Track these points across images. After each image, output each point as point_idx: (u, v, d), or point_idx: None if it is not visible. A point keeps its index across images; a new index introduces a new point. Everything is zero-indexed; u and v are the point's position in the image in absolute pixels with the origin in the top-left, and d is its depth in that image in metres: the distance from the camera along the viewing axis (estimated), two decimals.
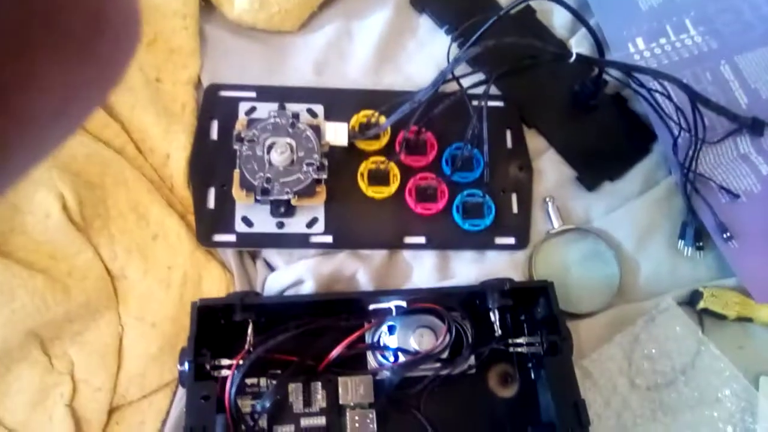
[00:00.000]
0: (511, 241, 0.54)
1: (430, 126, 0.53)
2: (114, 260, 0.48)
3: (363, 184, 0.52)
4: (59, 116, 0.16)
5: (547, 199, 0.54)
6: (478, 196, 0.53)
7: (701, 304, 0.51)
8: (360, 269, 0.51)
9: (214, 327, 0.45)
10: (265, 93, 0.54)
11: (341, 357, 0.46)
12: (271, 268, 0.52)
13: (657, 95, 0.54)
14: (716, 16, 0.60)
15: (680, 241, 0.54)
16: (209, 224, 0.50)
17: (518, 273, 0.52)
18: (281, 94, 0.54)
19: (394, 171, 0.53)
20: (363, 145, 0.53)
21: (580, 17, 0.50)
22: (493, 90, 0.56)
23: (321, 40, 0.58)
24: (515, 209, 0.54)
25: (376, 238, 0.52)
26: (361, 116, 0.53)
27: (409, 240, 0.52)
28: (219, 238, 0.50)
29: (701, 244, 0.54)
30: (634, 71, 0.51)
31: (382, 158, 0.52)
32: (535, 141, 0.56)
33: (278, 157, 0.48)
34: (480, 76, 0.53)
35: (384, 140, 0.54)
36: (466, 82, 0.51)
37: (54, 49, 0.15)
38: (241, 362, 0.44)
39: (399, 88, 0.56)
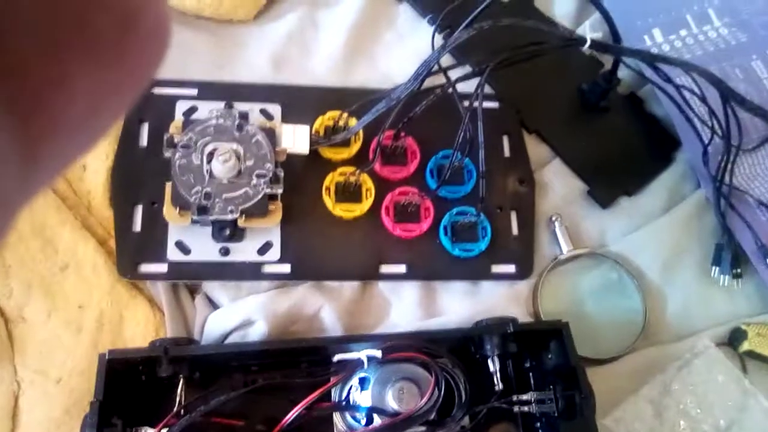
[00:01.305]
0: (511, 269, 0.44)
1: (412, 130, 0.44)
2: (9, 298, 0.38)
3: (329, 201, 0.42)
4: (89, 118, 0.16)
5: (554, 218, 0.45)
6: (470, 214, 0.43)
7: (745, 346, 0.42)
8: (325, 306, 0.41)
9: (133, 385, 0.35)
10: (208, 90, 0.44)
11: (301, 420, 0.36)
12: (213, 305, 0.42)
13: (684, 93, 0.44)
14: (743, 5, 0.52)
15: (714, 267, 0.45)
16: (135, 251, 0.40)
17: (520, 308, 0.43)
18: (229, 92, 0.45)
19: (368, 184, 0.43)
20: (329, 153, 0.43)
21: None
22: (488, 89, 0.47)
23: (280, 30, 0.49)
24: (515, 230, 0.45)
25: (346, 267, 0.42)
26: (327, 118, 0.44)
27: (386, 269, 0.43)
28: (147, 268, 0.40)
29: (739, 270, 0.44)
30: (659, 62, 0.42)
31: (352, 169, 0.43)
32: (537, 149, 0.47)
33: (221, 167, 0.38)
34: (471, 70, 0.44)
35: (355, 147, 0.44)
36: (455, 76, 0.41)
37: (85, 50, 0.15)
38: (166, 430, 0.34)
39: (374, 86, 0.46)
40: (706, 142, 0.45)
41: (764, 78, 0.49)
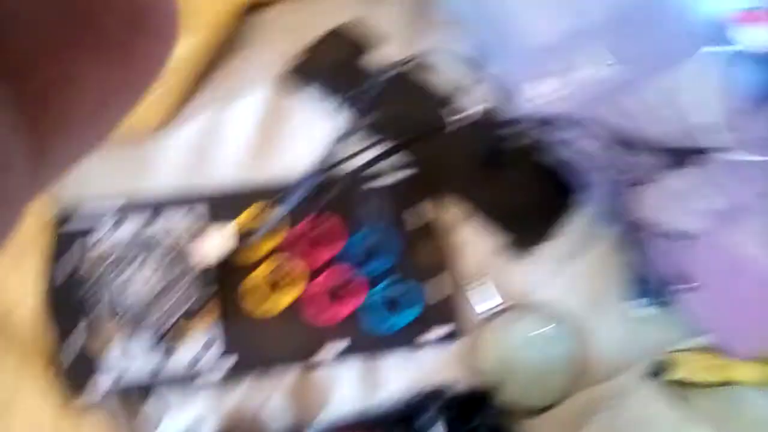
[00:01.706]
0: (446, 330, 0.46)
1: (334, 209, 0.46)
2: None
3: (262, 292, 0.44)
4: (96, 116, 0.16)
5: (479, 276, 0.47)
6: (400, 283, 0.45)
7: (672, 374, 0.43)
8: (272, 395, 0.43)
9: None
10: (129, 205, 0.46)
11: None
12: (163, 409, 0.43)
13: (578, 140, 0.47)
14: (628, 37, 0.55)
15: (636, 301, 0.46)
16: (76, 375, 0.41)
17: (460, 368, 0.44)
18: (149, 204, 0.46)
19: (298, 270, 0.45)
20: (255, 247, 0.45)
21: (474, 70, 0.44)
22: (398, 159, 0.49)
23: (191, 134, 0.51)
24: (445, 292, 0.46)
25: (285, 353, 0.44)
26: (248, 216, 0.46)
27: (325, 351, 0.44)
28: (90, 391, 0.41)
29: (661, 300, 0.46)
30: (545, 124, 0.45)
31: (280, 258, 0.44)
32: (454, 210, 0.49)
33: (151, 278, 0.40)
34: (380, 146, 0.46)
35: (280, 237, 0.46)
36: (364, 155, 0.44)
37: (92, 49, 0.15)
38: None
39: (291, 174, 0.48)
40: (606, 181, 0.47)
41: (656, 108, 0.52)
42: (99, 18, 0.15)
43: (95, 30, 0.15)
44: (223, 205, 0.47)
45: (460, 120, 0.44)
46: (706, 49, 0.55)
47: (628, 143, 0.49)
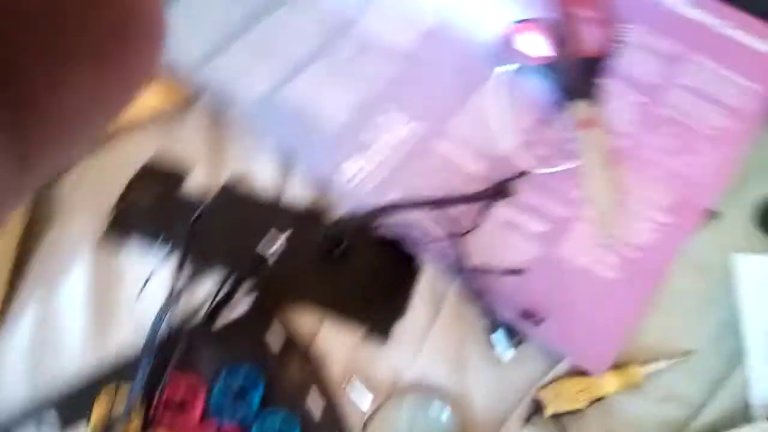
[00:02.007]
0: None
1: (187, 366, 0.45)
2: None
3: None
4: (86, 118, 0.16)
5: (347, 380, 0.47)
6: (273, 415, 0.45)
7: (548, 411, 0.45)
8: None
9: None
10: None
11: None
12: None
13: (403, 212, 0.48)
14: (415, 89, 0.56)
15: (495, 348, 0.48)
16: None
17: None
18: None
19: None
20: None
21: (288, 172, 0.47)
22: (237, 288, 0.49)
23: (22, 340, 0.49)
24: (318, 410, 0.47)
25: None
26: (102, 409, 0.45)
27: None
28: None
29: (517, 339, 0.48)
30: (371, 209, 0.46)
31: None
32: (307, 317, 0.49)
33: None
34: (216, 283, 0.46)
35: (139, 416, 0.45)
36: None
37: (83, 51, 0.15)
38: None
39: (135, 343, 0.47)
40: (431, 242, 0.49)
41: (459, 152, 0.54)
42: (87, 26, 0.15)
43: (83, 38, 0.15)
44: (71, 406, 0.45)
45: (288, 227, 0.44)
46: (497, 69, 0.57)
47: (442, 201, 0.50)
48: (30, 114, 0.14)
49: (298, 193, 0.54)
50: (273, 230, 0.48)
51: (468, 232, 0.51)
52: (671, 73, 0.55)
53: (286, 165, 0.55)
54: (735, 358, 0.47)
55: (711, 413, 0.46)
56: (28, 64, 0.14)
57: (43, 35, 0.14)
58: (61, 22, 0.14)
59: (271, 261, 0.46)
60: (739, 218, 0.52)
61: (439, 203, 0.50)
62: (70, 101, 0.15)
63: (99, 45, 0.16)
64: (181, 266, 0.45)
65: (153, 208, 0.52)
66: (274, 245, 0.46)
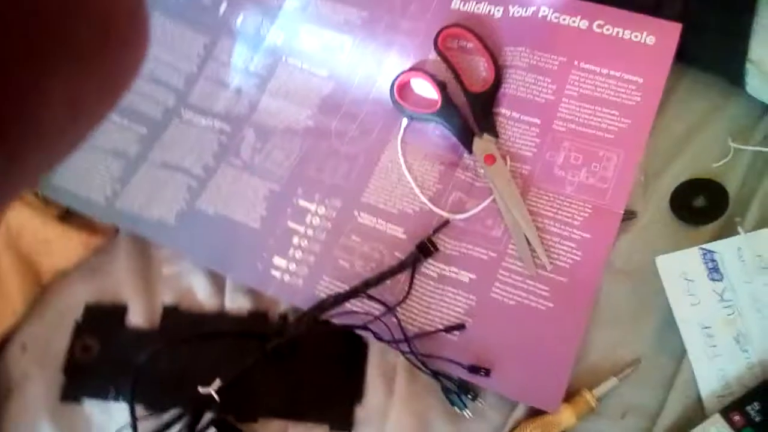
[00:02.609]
0: None
1: None
2: None
3: None
4: (67, 125, 0.16)
5: None
6: None
7: None
8: None
9: None
10: None
11: None
12: None
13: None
14: (320, 171, 0.57)
15: (455, 408, 0.49)
16: None
17: None
18: None
19: None
20: None
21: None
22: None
23: None
24: None
25: None
26: None
27: None
28: None
29: (473, 393, 0.49)
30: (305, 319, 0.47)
31: None
32: (272, 428, 0.51)
33: None
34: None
35: None
36: None
37: (64, 57, 0.15)
38: None
39: None
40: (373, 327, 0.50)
41: (380, 225, 0.55)
42: (70, 28, 0.15)
43: (66, 40, 0.15)
44: None
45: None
46: (396, 125, 0.58)
47: (372, 282, 0.51)
48: (14, 119, 0.14)
49: (236, 299, 0.55)
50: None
51: (402, 300, 0.52)
52: (559, 86, 0.56)
53: (218, 274, 0.56)
54: (679, 355, 0.49)
55: (669, 416, 0.47)
56: (10, 68, 0.14)
57: (25, 39, 0.14)
58: (43, 26, 0.14)
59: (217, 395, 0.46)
60: (657, 212, 0.53)
61: (370, 284, 0.51)
62: (56, 104, 0.15)
63: (82, 48, 0.16)
64: (133, 419, 0.47)
65: (101, 357, 0.53)
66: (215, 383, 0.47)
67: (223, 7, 0.64)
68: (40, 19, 0.14)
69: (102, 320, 0.55)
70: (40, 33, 0.14)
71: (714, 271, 0.49)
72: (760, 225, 0.50)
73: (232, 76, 0.63)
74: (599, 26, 0.56)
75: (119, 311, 0.55)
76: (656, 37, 0.55)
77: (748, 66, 0.52)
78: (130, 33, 0.17)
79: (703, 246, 0.49)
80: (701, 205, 0.53)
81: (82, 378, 0.53)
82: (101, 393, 0.52)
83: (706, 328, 0.48)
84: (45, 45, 0.14)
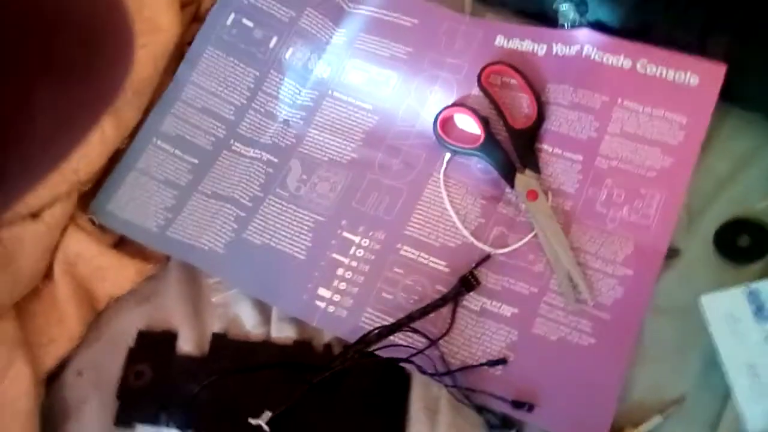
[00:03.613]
0: None
1: None
2: None
3: None
4: (54, 139, 0.16)
5: None
6: None
7: None
8: None
9: None
10: None
11: None
12: None
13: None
14: (364, 203, 0.59)
15: None
16: None
17: None
18: None
19: None
20: None
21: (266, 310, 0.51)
22: None
23: None
24: None
25: None
26: None
27: None
28: None
29: (516, 429, 0.50)
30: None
31: None
32: None
33: None
34: None
35: None
36: None
37: (48, 72, 0.15)
38: None
39: None
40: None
41: (414, 260, 0.56)
42: (55, 41, 0.15)
43: (50, 54, 0.15)
44: None
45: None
46: (439, 160, 0.59)
47: (415, 315, 0.52)
48: (1, 131, 0.14)
49: (282, 328, 0.57)
50: None
51: (446, 333, 0.53)
52: (602, 124, 0.57)
53: (265, 304, 0.58)
54: (724, 395, 0.49)
55: None
56: None
57: (15, 52, 0.14)
58: (29, 42, 0.14)
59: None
60: (701, 250, 0.54)
61: (413, 317, 0.53)
62: (40, 119, 0.15)
63: (67, 65, 0.16)
64: None
65: (153, 383, 0.55)
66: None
67: (273, 42, 0.66)
68: (26, 35, 0.14)
69: (154, 347, 0.57)
70: (26, 49, 0.14)
71: (760, 311, 0.49)
72: None
73: (280, 108, 0.65)
74: (643, 66, 0.57)
75: (170, 338, 0.57)
76: (700, 77, 0.55)
77: None
78: (116, 50, 0.17)
79: (750, 286, 0.49)
80: (745, 245, 0.53)
81: (135, 403, 0.55)
82: (153, 419, 0.54)
83: (752, 367, 0.48)
84: (31, 61, 0.15)
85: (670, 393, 0.50)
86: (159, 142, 0.64)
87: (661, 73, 0.57)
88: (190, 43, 0.66)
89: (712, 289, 0.50)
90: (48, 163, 0.17)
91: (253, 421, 0.48)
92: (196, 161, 0.63)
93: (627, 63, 0.57)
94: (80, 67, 0.16)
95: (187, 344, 0.57)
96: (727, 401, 0.49)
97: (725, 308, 0.50)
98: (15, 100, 0.14)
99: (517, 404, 0.50)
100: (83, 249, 0.58)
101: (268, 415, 0.48)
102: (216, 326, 0.58)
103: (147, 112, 0.64)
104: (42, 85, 0.15)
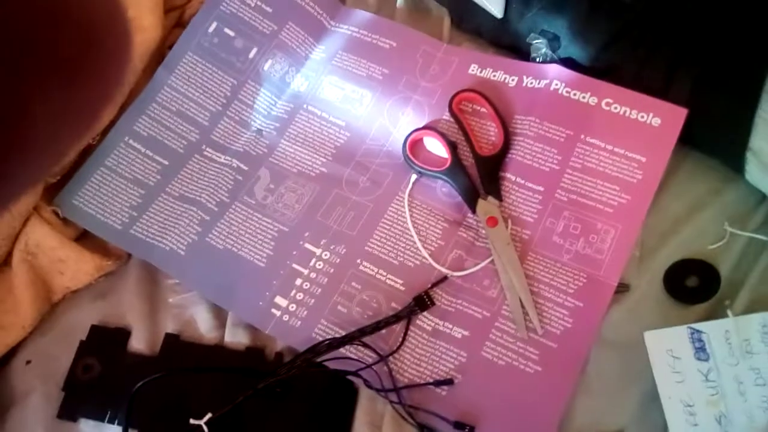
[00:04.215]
0: None
1: None
2: None
3: None
4: (52, 138, 0.16)
5: None
6: None
7: None
8: None
9: None
10: None
11: None
12: None
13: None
14: (328, 217, 0.59)
15: None
16: None
17: None
18: None
19: None
20: None
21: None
22: None
23: None
24: None
25: None
26: None
27: None
28: None
29: None
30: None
31: None
32: None
33: None
34: None
35: None
36: None
37: (46, 75, 0.14)
38: None
39: None
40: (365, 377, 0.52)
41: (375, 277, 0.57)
42: (52, 41, 0.15)
43: (46, 54, 0.15)
44: None
45: None
46: (405, 181, 0.60)
47: (368, 330, 0.53)
48: (3, 134, 0.14)
49: (236, 333, 0.57)
50: None
51: (396, 350, 0.54)
52: (564, 157, 0.58)
53: (221, 309, 0.58)
54: (661, 430, 0.50)
55: None
56: None
57: (13, 52, 0.14)
58: (25, 39, 0.14)
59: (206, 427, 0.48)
60: (650, 287, 0.55)
61: (365, 332, 0.53)
62: (38, 121, 0.15)
63: (68, 61, 0.16)
64: None
65: (101, 378, 0.55)
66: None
67: (253, 52, 0.67)
68: (22, 33, 0.14)
69: (105, 342, 0.57)
70: (22, 47, 0.14)
71: (701, 350, 0.50)
72: (749, 310, 0.51)
73: (254, 118, 0.66)
74: (608, 104, 0.59)
75: (123, 335, 0.57)
76: (662, 120, 0.57)
77: (748, 155, 0.54)
78: (114, 47, 0.17)
79: (692, 325, 0.51)
80: (693, 285, 0.54)
81: (81, 397, 0.54)
82: (97, 414, 0.53)
83: (689, 406, 0.49)
84: (27, 59, 0.14)
85: (609, 425, 0.51)
86: (131, 141, 0.64)
87: (624, 113, 0.58)
88: (171, 47, 0.67)
89: (658, 325, 0.52)
90: (48, 162, 0.17)
91: (193, 422, 0.48)
92: (166, 162, 0.64)
93: (593, 100, 0.59)
94: (77, 65, 0.16)
95: (139, 342, 0.57)
96: None
97: (667, 345, 0.51)
98: (17, 102, 0.15)
99: (459, 425, 0.50)
100: (44, 240, 0.58)
101: (208, 415, 0.48)
102: (170, 327, 0.58)
103: (123, 110, 0.64)
104: (41, 89, 0.15)
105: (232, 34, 0.67)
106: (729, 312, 0.51)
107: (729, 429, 0.48)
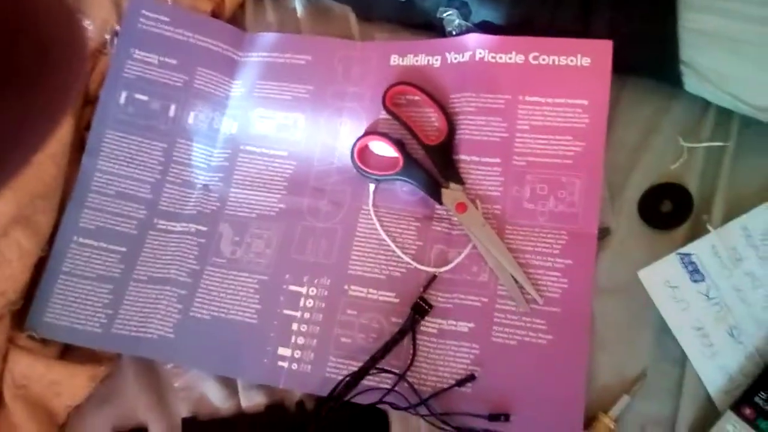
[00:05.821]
0: None
1: None
2: None
3: None
4: (12, 147, 0.16)
5: None
6: None
7: None
8: None
9: None
10: None
11: None
12: None
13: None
14: (302, 252, 0.58)
15: None
16: None
17: None
18: None
19: None
20: None
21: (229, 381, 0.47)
22: None
23: None
24: None
25: None
26: None
27: None
28: None
29: None
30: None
31: None
32: None
33: None
34: None
35: None
36: None
37: (9, 76, 0.14)
38: None
39: None
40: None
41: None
42: (10, 53, 0.15)
43: (9, 63, 0.15)
44: None
45: None
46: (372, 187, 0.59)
47: (378, 356, 0.53)
48: None
49: (251, 396, 0.56)
50: None
51: (411, 364, 0.54)
52: (510, 123, 0.58)
53: (227, 376, 0.57)
54: (681, 360, 0.51)
55: (686, 420, 0.50)
56: None
57: None
58: None
59: None
60: (629, 224, 0.55)
61: (377, 358, 0.53)
62: (2, 129, 0.15)
63: (25, 70, 0.16)
64: None
65: None
66: None
67: (172, 110, 0.65)
68: None
69: None
70: None
71: (695, 272, 0.51)
72: (727, 218, 0.52)
73: (196, 175, 0.64)
74: (534, 58, 0.58)
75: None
76: (591, 58, 0.57)
77: (682, 68, 0.54)
78: (70, 54, 0.17)
79: (680, 251, 0.51)
80: (668, 210, 0.55)
81: None
82: None
83: (700, 329, 0.50)
84: None
85: (632, 371, 0.52)
86: (80, 239, 0.62)
87: (553, 62, 0.58)
88: (87, 128, 0.64)
89: (646, 259, 0.52)
90: (7, 172, 0.17)
91: None
92: (123, 249, 0.62)
93: (520, 58, 0.58)
94: (35, 76, 0.16)
95: None
96: (685, 366, 0.51)
97: (663, 277, 0.52)
98: None
99: (494, 417, 0.51)
100: (30, 369, 0.57)
101: None
102: (184, 410, 0.57)
103: (61, 211, 0.62)
104: (4, 90, 0.15)
105: (145, 98, 0.65)
106: (709, 226, 0.52)
107: (742, 338, 0.50)
